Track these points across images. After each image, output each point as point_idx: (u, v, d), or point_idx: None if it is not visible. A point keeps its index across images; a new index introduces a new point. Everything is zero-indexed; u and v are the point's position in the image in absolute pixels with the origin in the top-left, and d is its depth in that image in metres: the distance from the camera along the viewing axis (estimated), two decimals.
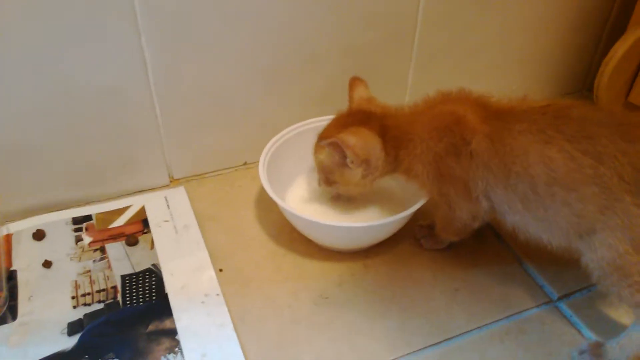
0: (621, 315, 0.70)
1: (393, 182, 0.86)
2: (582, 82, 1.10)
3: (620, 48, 0.92)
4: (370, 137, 0.70)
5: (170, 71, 0.77)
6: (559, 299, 0.72)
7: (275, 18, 0.79)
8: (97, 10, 0.68)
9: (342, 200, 0.84)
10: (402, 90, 0.95)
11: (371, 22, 0.85)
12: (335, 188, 0.77)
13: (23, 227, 0.78)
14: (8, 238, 0.77)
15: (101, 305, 0.69)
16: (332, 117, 0.85)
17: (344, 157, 0.71)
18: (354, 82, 0.77)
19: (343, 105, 0.89)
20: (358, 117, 0.73)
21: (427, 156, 0.68)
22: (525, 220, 0.65)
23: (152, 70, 0.75)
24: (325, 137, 0.72)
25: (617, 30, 0.97)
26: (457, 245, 0.77)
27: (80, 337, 0.65)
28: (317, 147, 0.75)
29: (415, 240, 0.80)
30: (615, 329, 0.68)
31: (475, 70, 0.98)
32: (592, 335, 0.68)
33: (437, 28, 0.90)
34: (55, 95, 0.73)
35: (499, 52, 0.98)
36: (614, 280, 0.60)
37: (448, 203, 0.69)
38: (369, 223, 0.71)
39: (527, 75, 1.04)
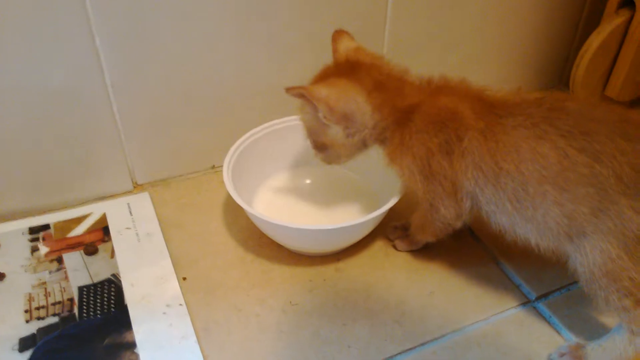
0: (601, 315, 0.67)
1: (365, 180, 0.83)
2: (558, 77, 1.08)
3: (594, 40, 0.90)
4: (350, 88, 0.64)
5: (128, 70, 0.73)
6: (537, 299, 0.70)
7: (239, 9, 0.75)
8: (45, 6, 0.65)
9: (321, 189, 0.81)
10: None
11: (340, 15, 0.82)
12: (327, 155, 0.70)
13: None
14: None
15: (56, 319, 0.65)
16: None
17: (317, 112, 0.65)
18: (338, 34, 0.70)
19: None
20: (342, 68, 0.67)
21: (419, 150, 0.63)
22: (513, 221, 0.62)
23: (107, 69, 0.72)
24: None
25: (592, 21, 0.95)
26: (432, 246, 0.74)
27: (33, 354, 0.62)
28: (300, 105, 0.68)
29: (388, 242, 0.77)
30: (595, 329, 0.66)
31: (449, 65, 0.95)
32: (571, 336, 0.65)
33: (408, 22, 0.87)
34: (5, 96, 0.69)
35: (473, 47, 0.96)
36: (602, 285, 0.57)
37: (431, 201, 0.66)
38: (339, 225, 0.67)
39: (502, 71, 1.02)
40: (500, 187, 0.60)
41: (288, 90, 0.63)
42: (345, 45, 0.69)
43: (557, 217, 0.58)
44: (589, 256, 0.57)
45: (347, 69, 0.66)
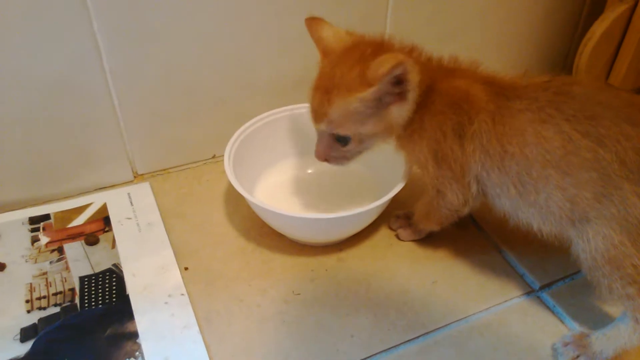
0: (605, 304, 0.67)
1: (367, 169, 0.83)
2: (561, 65, 1.07)
3: (598, 28, 0.89)
4: (411, 60, 0.59)
5: (127, 58, 0.73)
6: (541, 288, 0.69)
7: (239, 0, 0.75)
8: None
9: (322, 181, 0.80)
10: None
11: (341, 5, 0.81)
12: (357, 148, 0.65)
13: None
14: None
15: (57, 309, 0.65)
16: (305, 104, 0.81)
17: (399, 90, 0.60)
18: (316, 22, 0.65)
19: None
20: (373, 45, 0.62)
21: (435, 132, 0.62)
22: (516, 205, 0.61)
23: (107, 57, 0.71)
24: (341, 79, 0.61)
25: (596, 9, 0.94)
26: (435, 235, 0.74)
27: (34, 343, 0.61)
28: (338, 93, 0.61)
29: (391, 231, 0.76)
30: (599, 319, 0.65)
31: (451, 54, 0.94)
32: (575, 326, 0.65)
33: (410, 11, 0.86)
34: (4, 87, 0.68)
35: (475, 35, 0.95)
36: (605, 272, 0.57)
37: (439, 187, 0.65)
38: (341, 214, 0.67)
39: (505, 59, 1.01)
40: (505, 170, 0.60)
41: (392, 69, 0.57)
42: (330, 31, 0.66)
43: (559, 202, 0.58)
44: (591, 242, 0.57)
45: (379, 46, 0.63)
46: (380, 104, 0.61)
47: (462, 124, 0.61)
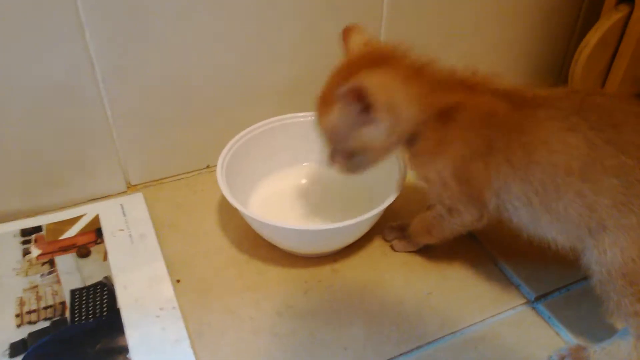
0: (601, 316, 0.66)
1: (361, 179, 0.82)
2: (557, 73, 1.07)
3: (593, 36, 0.89)
4: (392, 77, 0.59)
5: (120, 67, 0.72)
6: (536, 299, 0.69)
7: (234, 8, 0.74)
8: (35, 2, 0.63)
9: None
10: None
11: (335, 14, 0.80)
12: (353, 163, 0.65)
13: None
14: None
15: (47, 323, 0.64)
16: (300, 114, 0.81)
17: (365, 109, 0.59)
18: (348, 31, 0.65)
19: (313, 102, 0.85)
20: (370, 59, 0.61)
21: (461, 150, 0.60)
22: (534, 215, 0.60)
23: (99, 65, 0.71)
24: (328, 92, 0.61)
25: (591, 17, 0.94)
26: (430, 247, 0.73)
27: (24, 359, 0.60)
28: (323, 106, 0.63)
29: (385, 242, 0.76)
30: (595, 330, 0.65)
31: (447, 63, 0.94)
32: (571, 338, 0.64)
33: (404, 21, 0.86)
34: None
35: (470, 44, 0.95)
36: (617, 287, 0.56)
37: (455, 204, 0.64)
38: (335, 225, 0.66)
39: (501, 68, 1.00)
40: (529, 179, 0.59)
41: (347, 92, 0.57)
42: (355, 40, 0.65)
43: (579, 209, 0.57)
44: (607, 254, 0.56)
45: (374, 59, 0.61)
46: (358, 121, 0.60)
47: (488, 139, 0.60)
